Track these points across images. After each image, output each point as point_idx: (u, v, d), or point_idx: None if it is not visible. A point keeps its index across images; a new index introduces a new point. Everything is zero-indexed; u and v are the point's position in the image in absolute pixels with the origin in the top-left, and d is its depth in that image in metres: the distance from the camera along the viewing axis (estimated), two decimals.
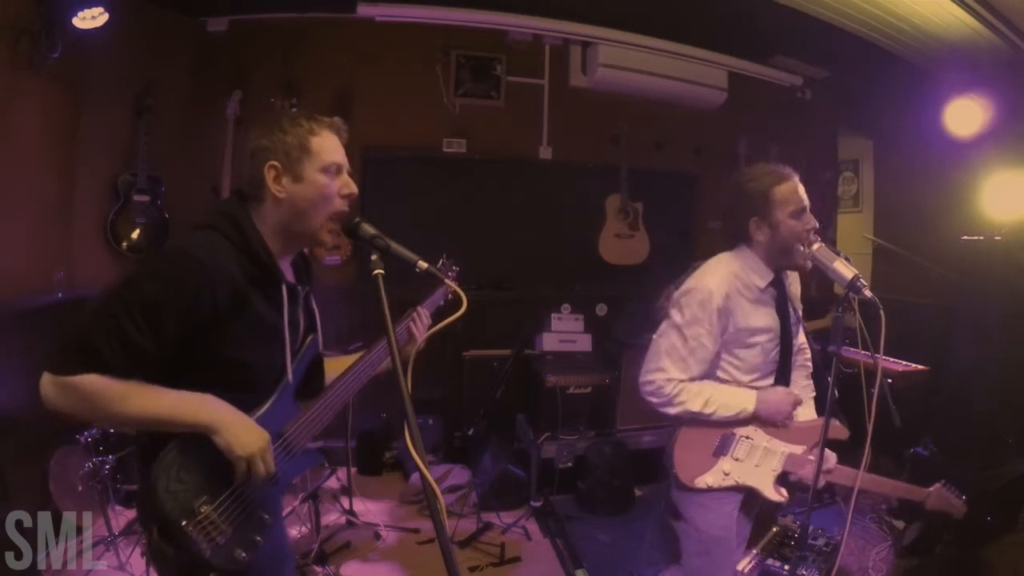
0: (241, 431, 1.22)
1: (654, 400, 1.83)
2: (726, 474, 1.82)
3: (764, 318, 1.83)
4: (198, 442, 1.21)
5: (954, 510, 1.95)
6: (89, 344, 1.12)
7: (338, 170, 1.33)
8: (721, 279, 1.80)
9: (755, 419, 1.82)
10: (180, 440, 1.21)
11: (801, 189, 1.79)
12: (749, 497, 1.91)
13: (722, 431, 1.83)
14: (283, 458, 1.33)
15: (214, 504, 1.22)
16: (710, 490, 1.83)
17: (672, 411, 1.81)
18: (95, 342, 1.12)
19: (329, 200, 1.31)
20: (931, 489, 1.94)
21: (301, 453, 1.40)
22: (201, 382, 1.23)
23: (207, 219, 1.27)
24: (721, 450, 1.83)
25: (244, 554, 1.25)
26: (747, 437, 1.84)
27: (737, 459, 1.84)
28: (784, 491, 1.86)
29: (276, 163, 1.28)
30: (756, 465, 1.84)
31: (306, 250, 1.49)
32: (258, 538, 1.29)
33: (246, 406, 1.28)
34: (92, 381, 1.12)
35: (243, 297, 1.24)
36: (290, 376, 1.35)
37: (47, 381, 1.13)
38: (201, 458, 1.21)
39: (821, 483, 1.79)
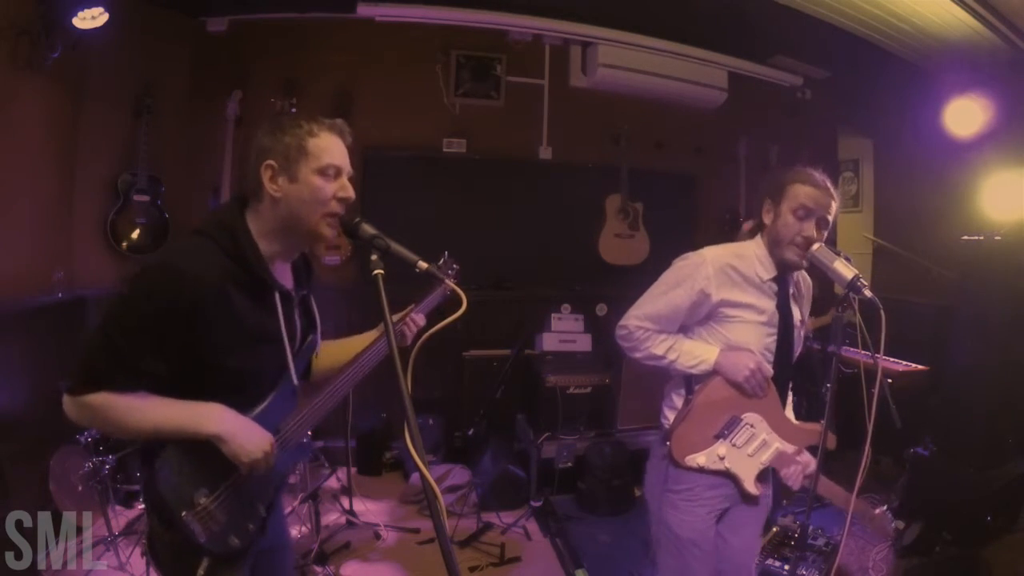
0: (246, 440, 1.26)
1: (623, 344, 1.93)
2: (720, 458, 1.83)
3: (752, 299, 1.85)
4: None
5: (886, 532, 1.99)
6: (92, 366, 1.19)
7: (336, 173, 1.31)
8: (719, 254, 1.86)
9: (715, 373, 1.84)
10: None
11: (819, 198, 1.77)
12: (743, 498, 1.92)
13: (729, 415, 1.84)
14: (280, 451, 1.37)
15: (212, 496, 1.29)
16: (701, 471, 1.83)
17: (637, 355, 1.91)
18: (97, 363, 1.19)
19: (323, 202, 1.30)
20: (877, 512, 1.96)
21: (294, 445, 1.44)
22: (202, 388, 1.26)
23: (202, 225, 1.29)
24: (723, 433, 1.84)
25: (237, 540, 1.33)
26: (751, 425, 1.86)
27: (735, 445, 1.85)
28: (760, 487, 1.89)
29: (273, 163, 1.28)
30: (749, 455, 1.86)
31: (307, 250, 1.50)
32: (251, 526, 1.37)
33: (244, 405, 1.31)
34: (100, 398, 1.19)
35: (233, 305, 1.24)
36: (295, 379, 1.39)
37: (66, 401, 1.21)
38: (201, 453, 1.26)
39: (799, 486, 1.84)
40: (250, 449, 1.26)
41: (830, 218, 1.80)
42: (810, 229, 1.77)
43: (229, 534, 1.31)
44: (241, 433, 1.26)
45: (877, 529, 2.00)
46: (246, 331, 1.28)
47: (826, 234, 1.81)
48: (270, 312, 1.32)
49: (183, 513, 1.24)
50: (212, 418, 1.24)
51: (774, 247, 1.84)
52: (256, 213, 1.32)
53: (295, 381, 1.39)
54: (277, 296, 1.32)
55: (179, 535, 1.26)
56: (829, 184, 1.81)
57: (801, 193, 1.78)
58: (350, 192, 1.33)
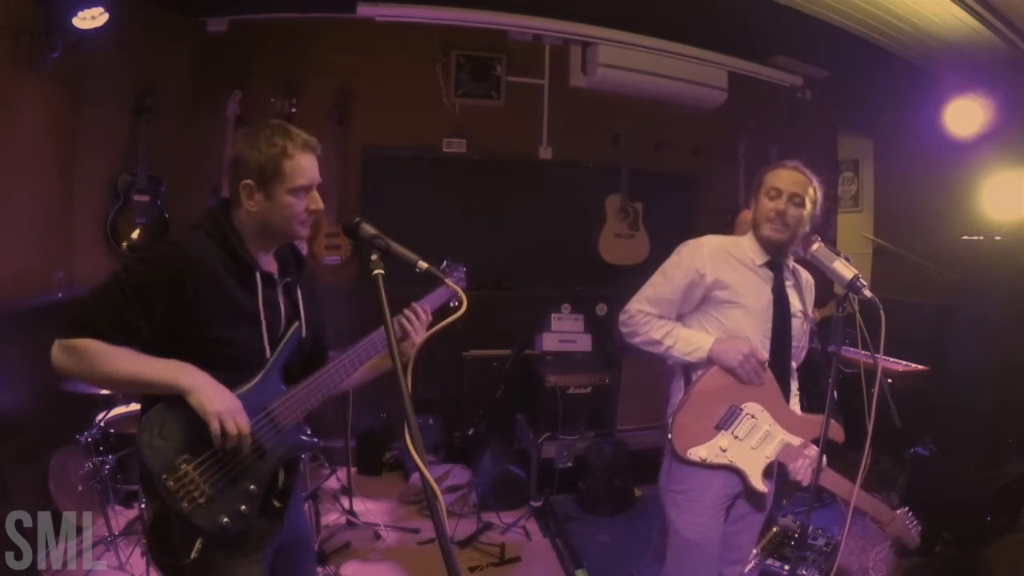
0: (212, 392, 1.30)
1: (624, 329, 1.99)
2: (723, 450, 1.83)
3: (746, 283, 1.91)
4: (182, 404, 1.29)
5: (909, 540, 1.95)
6: (87, 315, 1.30)
7: (308, 190, 1.44)
8: (717, 240, 1.98)
9: (710, 361, 1.86)
10: (166, 401, 1.31)
11: (788, 176, 1.91)
12: (747, 495, 1.91)
13: (728, 404, 1.84)
14: (271, 432, 1.41)
15: (194, 463, 1.30)
16: (704, 464, 1.83)
17: (636, 340, 1.97)
18: (92, 314, 1.30)
19: (295, 217, 1.44)
20: (896, 512, 1.93)
21: (292, 430, 1.47)
22: (189, 359, 1.33)
23: (198, 221, 1.47)
24: (724, 424, 1.84)
25: (227, 520, 1.32)
26: (752, 416, 1.85)
27: (737, 437, 1.84)
28: (767, 484, 1.87)
29: (250, 182, 1.40)
30: (753, 448, 1.85)
31: (304, 247, 1.56)
32: (243, 508, 1.36)
33: (233, 385, 1.36)
34: (88, 343, 1.28)
35: (221, 283, 1.37)
36: (268, 352, 1.44)
37: (55, 346, 1.30)
38: (184, 419, 1.30)
39: (809, 480, 1.82)
40: (214, 399, 1.29)
41: (806, 197, 1.88)
42: (780, 204, 1.86)
43: (217, 512, 1.31)
44: (209, 388, 1.30)
45: (899, 531, 1.92)
46: (231, 307, 1.39)
47: (805, 212, 1.87)
48: (254, 294, 1.43)
49: (163, 476, 1.26)
50: (185, 371, 1.31)
51: (756, 229, 1.94)
52: (237, 216, 1.47)
53: (268, 354, 1.44)
54: (258, 276, 1.44)
55: (164, 505, 1.28)
56: (801, 167, 1.92)
57: (773, 177, 1.92)
58: (320, 204, 1.48)
